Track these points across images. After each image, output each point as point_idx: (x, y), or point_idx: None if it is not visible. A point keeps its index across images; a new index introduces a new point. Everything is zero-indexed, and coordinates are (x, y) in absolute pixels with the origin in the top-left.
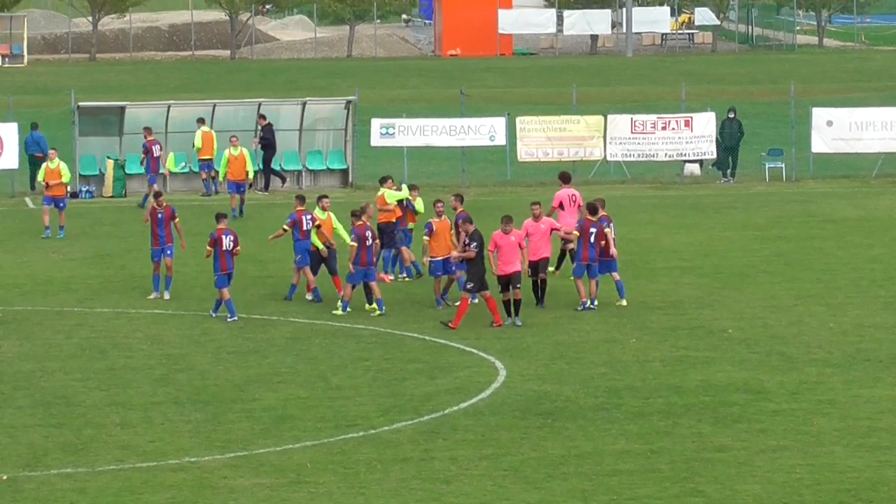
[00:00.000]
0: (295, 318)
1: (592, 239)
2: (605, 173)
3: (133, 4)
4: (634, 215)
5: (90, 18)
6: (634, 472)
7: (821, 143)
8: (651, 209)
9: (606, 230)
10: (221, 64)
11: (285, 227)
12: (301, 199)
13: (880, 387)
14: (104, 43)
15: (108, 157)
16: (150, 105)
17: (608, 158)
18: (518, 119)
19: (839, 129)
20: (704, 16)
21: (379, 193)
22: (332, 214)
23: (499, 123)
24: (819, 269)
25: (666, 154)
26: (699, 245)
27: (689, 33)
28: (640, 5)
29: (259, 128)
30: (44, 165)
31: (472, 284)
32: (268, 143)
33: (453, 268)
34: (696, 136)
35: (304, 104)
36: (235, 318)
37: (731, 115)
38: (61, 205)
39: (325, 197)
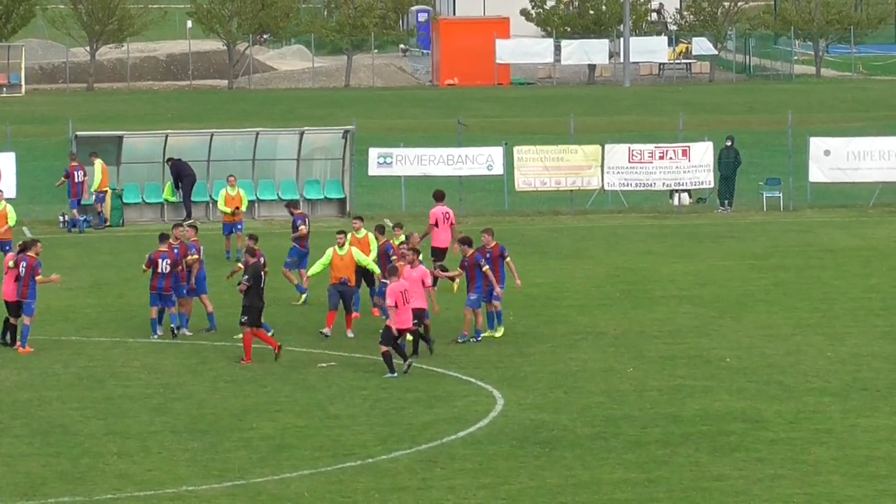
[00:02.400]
0: (292, 347)
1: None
2: (602, 202)
3: (131, 34)
4: (632, 245)
5: (88, 48)
6: (632, 502)
7: (818, 172)
8: (648, 238)
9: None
10: (219, 93)
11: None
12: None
13: (878, 416)
14: (102, 72)
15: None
16: (147, 134)
17: (606, 188)
18: (516, 148)
19: (837, 159)
20: (702, 46)
21: (361, 235)
22: (352, 248)
23: (496, 153)
24: (817, 299)
25: (664, 183)
26: (697, 274)
27: (686, 63)
28: (637, 35)
29: (169, 168)
30: None
31: (245, 318)
32: (175, 177)
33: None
34: (694, 165)
35: (301, 133)
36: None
37: (729, 144)
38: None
39: (343, 233)
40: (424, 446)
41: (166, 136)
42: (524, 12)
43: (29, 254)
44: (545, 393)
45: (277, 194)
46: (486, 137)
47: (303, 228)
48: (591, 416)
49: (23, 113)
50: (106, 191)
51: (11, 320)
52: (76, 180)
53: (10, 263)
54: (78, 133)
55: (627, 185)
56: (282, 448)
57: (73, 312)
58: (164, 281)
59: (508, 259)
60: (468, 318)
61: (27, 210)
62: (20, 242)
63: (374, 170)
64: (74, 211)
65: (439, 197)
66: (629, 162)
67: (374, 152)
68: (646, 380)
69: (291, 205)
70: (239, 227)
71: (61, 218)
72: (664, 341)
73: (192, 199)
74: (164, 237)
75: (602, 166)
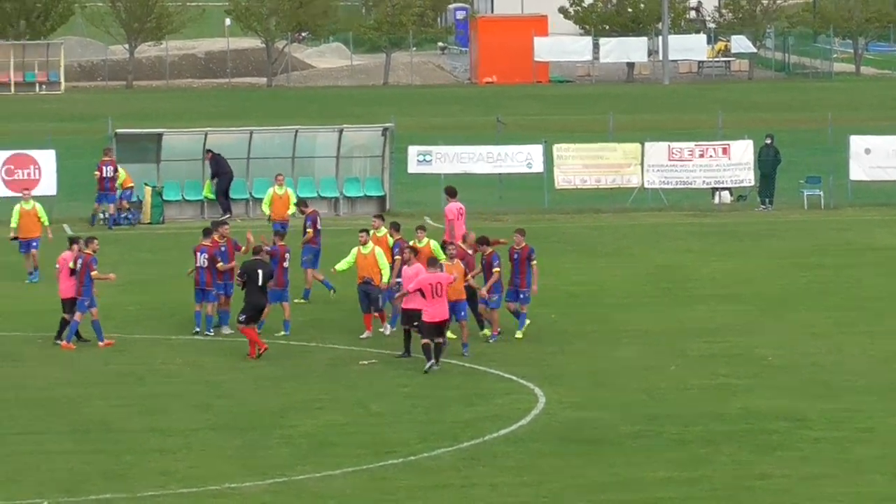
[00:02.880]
0: (334, 344)
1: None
2: (642, 201)
3: (169, 32)
4: (672, 243)
5: (127, 46)
6: (675, 500)
7: (859, 170)
8: (689, 236)
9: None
10: (258, 91)
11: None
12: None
13: None
14: (141, 70)
15: (146, 185)
16: (187, 132)
17: (646, 186)
18: (555, 146)
19: (877, 157)
20: (741, 44)
21: (381, 234)
22: (376, 247)
23: (536, 151)
24: (858, 297)
25: (703, 181)
26: (737, 272)
27: (725, 61)
28: (676, 33)
29: (207, 163)
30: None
31: (243, 316)
32: (215, 172)
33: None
34: (734, 163)
35: (340, 131)
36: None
37: (769, 142)
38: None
39: (366, 231)
40: (466, 444)
41: (205, 134)
42: (563, 10)
43: (85, 251)
44: (587, 391)
45: (317, 192)
46: (525, 135)
47: (310, 232)
48: (633, 414)
49: (62, 111)
50: (130, 188)
51: (66, 317)
52: (103, 175)
53: (71, 264)
54: (117, 131)
55: (667, 183)
56: (324, 445)
57: (115, 310)
58: (203, 276)
59: (535, 262)
60: (495, 317)
61: (67, 207)
62: (83, 239)
63: (413, 167)
64: (111, 206)
65: (452, 193)
66: (669, 160)
67: (413, 150)
68: (687, 378)
69: (301, 203)
70: (286, 227)
71: (102, 216)
72: (705, 339)
73: (231, 196)
74: (206, 232)
75: (642, 164)
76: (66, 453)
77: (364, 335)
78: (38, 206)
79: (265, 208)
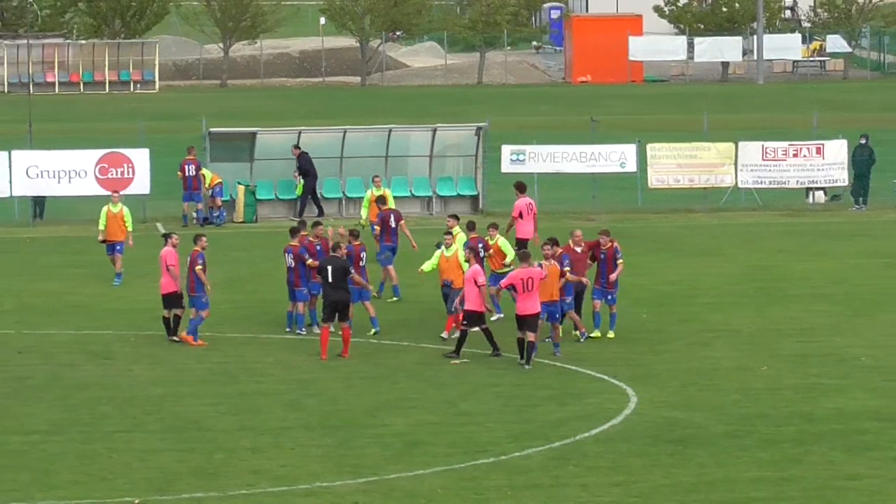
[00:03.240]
0: (425, 343)
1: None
2: (735, 200)
3: (264, 31)
4: (765, 242)
5: (221, 45)
6: (766, 500)
7: None
8: (782, 236)
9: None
10: (352, 90)
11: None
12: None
13: None
14: (235, 69)
15: (239, 183)
16: (281, 131)
17: (739, 185)
18: (649, 146)
19: None
20: (836, 43)
21: (456, 232)
22: (459, 250)
23: (629, 150)
24: None
25: (797, 181)
26: (831, 272)
27: (820, 60)
28: (771, 32)
29: (295, 159)
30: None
31: (324, 314)
32: (306, 171)
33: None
34: (828, 163)
35: (434, 130)
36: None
37: (864, 142)
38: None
39: (450, 234)
40: (557, 444)
41: (299, 133)
42: (657, 9)
43: (194, 247)
44: (678, 391)
45: (410, 191)
46: (619, 135)
47: (377, 228)
48: (725, 414)
49: (156, 109)
50: (219, 184)
51: (165, 314)
52: (186, 174)
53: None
54: (211, 130)
55: (761, 182)
56: (415, 444)
57: None
58: (292, 275)
59: (621, 261)
60: (575, 318)
61: (161, 206)
62: (171, 235)
63: (506, 167)
64: (198, 205)
65: (522, 189)
66: (763, 160)
67: (506, 149)
68: (780, 378)
69: (380, 201)
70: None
71: (196, 215)
72: (798, 339)
73: (324, 195)
74: (293, 231)
75: (735, 164)
76: (158, 452)
77: (444, 335)
78: (125, 210)
79: (363, 211)
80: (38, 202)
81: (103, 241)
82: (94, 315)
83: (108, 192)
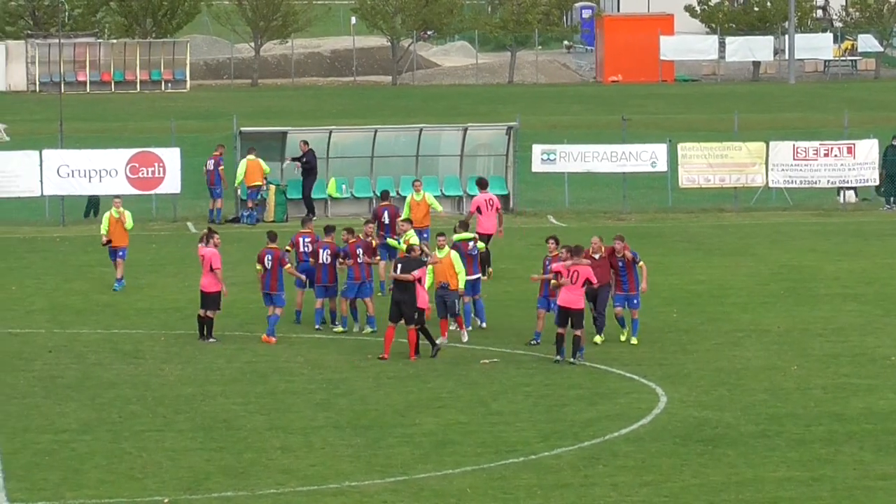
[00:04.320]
0: (455, 344)
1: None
2: (766, 200)
3: (295, 30)
4: (796, 242)
5: (252, 44)
6: (795, 500)
7: None
8: (813, 236)
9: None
10: (383, 89)
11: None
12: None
13: None
14: (266, 68)
15: (270, 183)
16: (311, 130)
17: (770, 185)
18: (679, 145)
19: None
20: (867, 42)
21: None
22: (452, 252)
23: (660, 150)
24: None
25: (828, 181)
26: (862, 272)
27: (851, 60)
28: (802, 32)
29: (302, 153)
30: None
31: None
32: (311, 167)
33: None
34: (859, 162)
35: (465, 130)
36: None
37: (895, 142)
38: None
39: (443, 235)
40: (587, 443)
41: (330, 133)
42: (689, 9)
43: (272, 246)
44: (708, 390)
45: (441, 190)
46: (650, 134)
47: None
48: (755, 413)
49: (187, 109)
50: (256, 186)
51: (202, 313)
52: (207, 168)
53: (267, 262)
54: (242, 129)
55: (792, 182)
56: (444, 444)
57: (236, 307)
58: (326, 273)
59: (641, 264)
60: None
61: (191, 205)
62: (267, 232)
63: (537, 166)
64: (217, 201)
65: (483, 185)
66: (794, 159)
67: (537, 149)
68: (810, 378)
69: (383, 195)
70: (425, 234)
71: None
72: (828, 339)
73: (357, 195)
74: (328, 229)
75: (766, 163)
76: (188, 451)
77: (440, 340)
78: (127, 214)
79: (404, 215)
80: (93, 202)
81: (108, 242)
82: (124, 314)
83: (140, 192)
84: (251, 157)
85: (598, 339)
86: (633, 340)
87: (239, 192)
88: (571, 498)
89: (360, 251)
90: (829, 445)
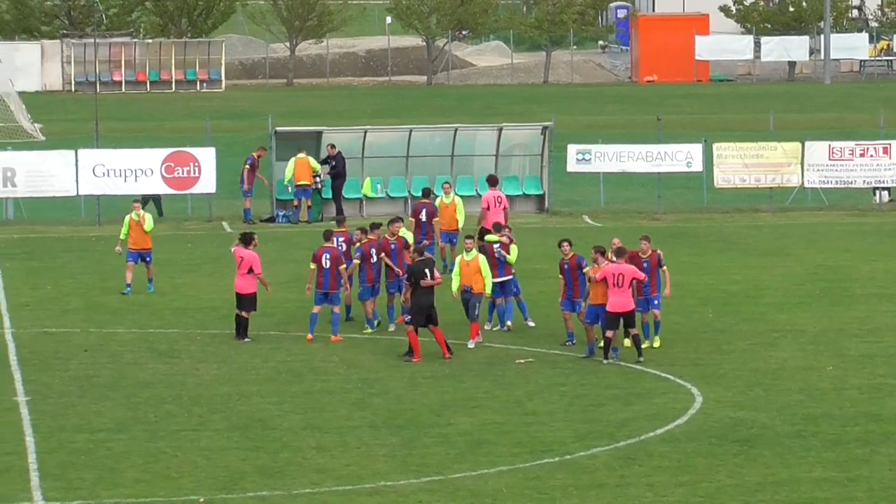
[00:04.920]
0: (490, 343)
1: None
2: (802, 200)
3: (330, 30)
4: (831, 242)
5: (287, 44)
6: (831, 501)
7: None
8: (848, 236)
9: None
10: (418, 89)
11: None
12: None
13: None
14: (301, 68)
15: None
16: (346, 130)
17: (805, 185)
18: (715, 145)
19: None
20: None
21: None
22: (479, 255)
23: (695, 150)
24: None
25: (864, 181)
26: None
27: (887, 60)
28: (838, 32)
29: (329, 157)
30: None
31: (410, 317)
32: (338, 172)
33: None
34: (895, 163)
35: (500, 130)
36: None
37: None
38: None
39: (472, 237)
40: (623, 443)
41: (365, 132)
42: (724, 9)
43: (330, 245)
44: (744, 391)
45: (476, 190)
46: (686, 134)
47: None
48: (791, 414)
49: (222, 108)
50: (304, 185)
51: (239, 313)
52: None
53: (325, 259)
54: (277, 129)
55: (827, 182)
56: (480, 444)
57: (272, 307)
58: (375, 272)
59: (665, 268)
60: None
61: (227, 205)
62: (323, 231)
63: (572, 166)
64: (246, 200)
65: (493, 182)
66: (829, 159)
67: (572, 149)
68: (846, 378)
69: (424, 193)
70: (454, 238)
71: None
72: (864, 339)
73: (392, 195)
74: (372, 227)
75: (802, 164)
76: (224, 450)
77: (471, 344)
78: (147, 217)
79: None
80: (156, 200)
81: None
82: (160, 314)
83: (176, 191)
84: (301, 155)
85: (627, 342)
86: (657, 343)
87: (289, 189)
88: (607, 498)
89: (373, 251)
90: (865, 446)
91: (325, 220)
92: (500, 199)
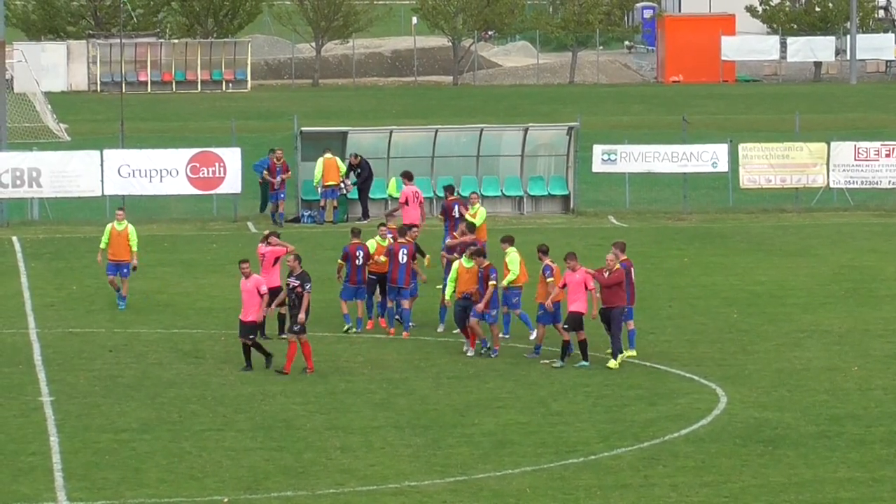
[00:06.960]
0: (514, 344)
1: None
2: (827, 200)
3: (356, 30)
4: (857, 243)
5: (313, 44)
6: (856, 501)
7: None
8: (874, 237)
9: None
10: (443, 90)
11: (340, 261)
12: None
13: None
14: (327, 68)
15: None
16: (372, 130)
17: (831, 185)
18: (741, 146)
19: None
20: None
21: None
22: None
23: (721, 150)
24: None
25: (890, 181)
26: None
27: None
28: (864, 32)
29: (351, 166)
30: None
31: (298, 327)
32: (365, 178)
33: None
34: None
35: (525, 130)
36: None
37: None
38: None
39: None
40: (647, 444)
41: (391, 133)
42: (750, 9)
43: (403, 240)
44: (769, 391)
45: (501, 191)
46: (711, 134)
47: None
48: (815, 414)
49: (248, 109)
50: (331, 186)
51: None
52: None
53: (391, 254)
54: (303, 129)
55: (853, 182)
56: (504, 444)
57: None
58: (402, 273)
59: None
60: (494, 332)
61: (252, 205)
62: (399, 227)
63: (598, 166)
64: (270, 204)
65: (410, 177)
66: (855, 160)
67: (598, 149)
68: (871, 378)
69: (448, 190)
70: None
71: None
72: (889, 340)
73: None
74: (402, 230)
75: (828, 164)
76: (247, 450)
77: (469, 352)
78: (131, 229)
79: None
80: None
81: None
82: (184, 314)
83: (201, 192)
84: (328, 155)
85: (612, 363)
86: (633, 353)
87: (318, 190)
88: (631, 498)
89: (360, 253)
90: (890, 446)
91: (350, 221)
92: (417, 195)
